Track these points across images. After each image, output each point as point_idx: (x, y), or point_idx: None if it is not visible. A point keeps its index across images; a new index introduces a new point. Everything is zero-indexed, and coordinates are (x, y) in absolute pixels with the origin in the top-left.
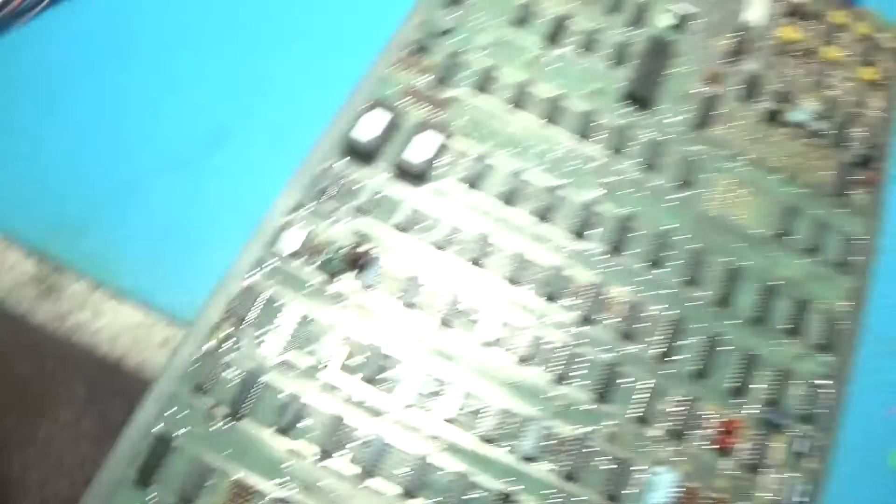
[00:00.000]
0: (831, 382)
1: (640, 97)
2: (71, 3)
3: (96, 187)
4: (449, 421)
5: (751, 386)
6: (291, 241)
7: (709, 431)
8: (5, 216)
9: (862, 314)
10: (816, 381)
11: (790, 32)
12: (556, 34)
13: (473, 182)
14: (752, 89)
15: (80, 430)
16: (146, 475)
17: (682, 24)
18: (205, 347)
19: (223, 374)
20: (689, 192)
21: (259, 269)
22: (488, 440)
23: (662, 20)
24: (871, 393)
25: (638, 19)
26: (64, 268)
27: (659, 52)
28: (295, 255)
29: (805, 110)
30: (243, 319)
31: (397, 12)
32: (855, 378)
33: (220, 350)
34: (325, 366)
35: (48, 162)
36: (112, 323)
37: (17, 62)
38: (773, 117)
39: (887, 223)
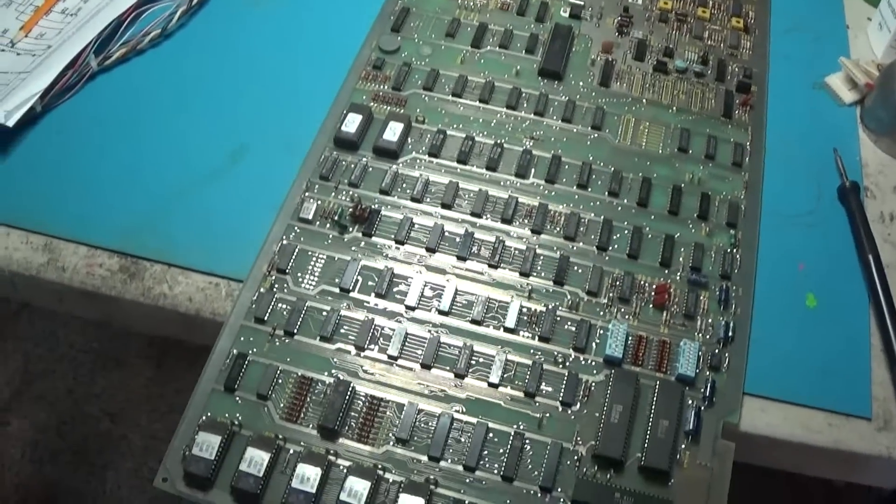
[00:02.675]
0: (740, 249)
1: (551, 72)
2: (110, 74)
3: (155, 197)
4: (446, 313)
5: (674, 258)
6: (308, 210)
7: (646, 294)
8: (89, 227)
9: (757, 198)
10: (728, 250)
11: (667, 3)
12: (479, 38)
13: (435, 152)
14: (641, 51)
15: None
16: (230, 384)
17: (577, 13)
18: (259, 291)
19: (276, 307)
20: (601, 133)
21: (288, 233)
22: (478, 322)
23: (561, 13)
24: (778, 255)
25: (542, 16)
26: (140, 258)
27: (562, 36)
28: (312, 220)
29: (685, 59)
30: (284, 270)
31: (356, 39)
32: (762, 245)
33: (271, 291)
34: (350, 289)
35: (117, 184)
36: (185, 289)
37: (87, 116)
38: (661, 68)
39: (768, 130)
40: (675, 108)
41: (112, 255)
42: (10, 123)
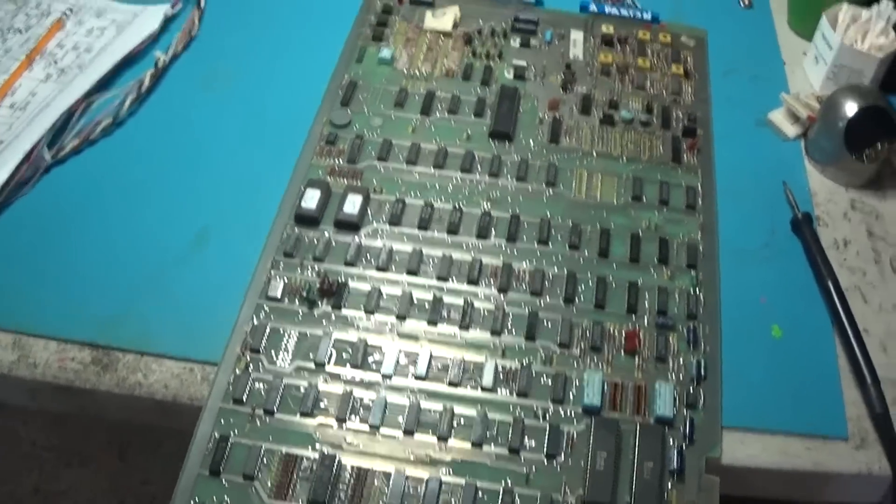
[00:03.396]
0: (702, 289)
1: (501, 133)
2: (65, 166)
3: (122, 287)
4: (423, 377)
5: (640, 304)
6: (276, 288)
7: (616, 342)
8: (58, 323)
9: (714, 238)
10: (691, 290)
11: (607, 57)
12: (428, 106)
13: (395, 220)
14: (586, 105)
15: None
16: (215, 467)
17: (521, 74)
18: (234, 373)
19: (253, 386)
20: (556, 189)
21: (258, 313)
22: (454, 384)
23: (505, 75)
24: (740, 291)
25: (487, 80)
26: (112, 349)
27: (509, 97)
28: (281, 298)
29: (631, 109)
30: (258, 350)
31: (306, 116)
32: (723, 282)
33: (246, 372)
34: (325, 363)
35: (82, 276)
36: (160, 377)
37: (46, 209)
38: (607, 121)
39: (717, 170)
40: (625, 157)
41: (83, 347)
42: None
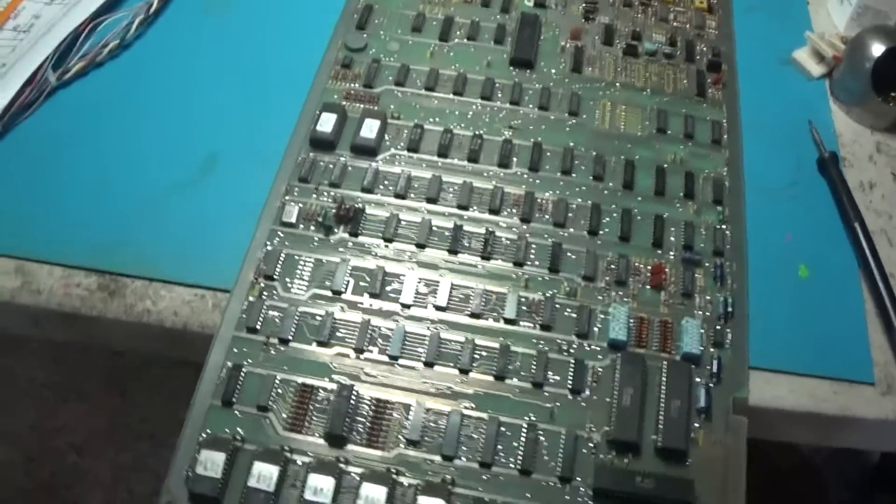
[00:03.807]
0: (729, 225)
1: (522, 60)
2: (70, 89)
3: (128, 212)
4: (443, 308)
5: (665, 238)
6: (290, 214)
7: (642, 276)
8: (63, 248)
9: (739, 174)
10: (717, 226)
11: None
12: (446, 31)
13: (413, 147)
14: (609, 35)
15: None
16: (228, 398)
17: (541, 2)
18: (248, 300)
19: (267, 314)
20: (579, 119)
21: (272, 238)
22: (476, 315)
23: (525, 2)
24: (766, 229)
25: (507, 7)
26: (119, 275)
27: (529, 25)
28: (296, 223)
29: (654, 41)
30: (272, 276)
31: (320, 39)
32: (748, 219)
33: (260, 299)
34: (342, 291)
35: (87, 200)
36: (170, 304)
37: (49, 132)
38: (631, 52)
39: (742, 106)
40: (649, 89)
41: (89, 273)
42: None
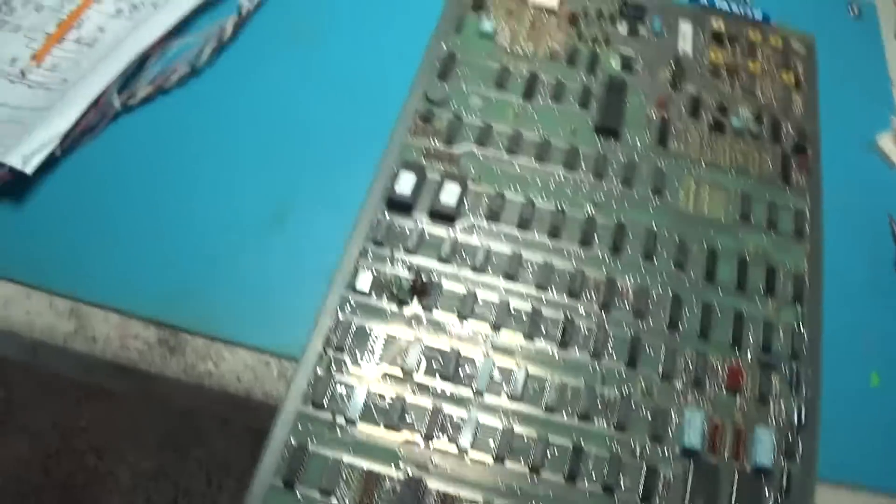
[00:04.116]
0: (806, 327)
1: (608, 128)
2: (135, 116)
3: (191, 259)
4: (518, 399)
5: (744, 337)
6: (363, 281)
7: (719, 376)
8: (123, 295)
9: (820, 271)
10: (796, 327)
11: (717, 55)
12: (530, 89)
13: (494, 216)
14: (695, 107)
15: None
16: (290, 479)
17: (629, 64)
18: (315, 373)
19: (335, 390)
20: (663, 198)
21: (343, 306)
22: (550, 409)
23: (612, 64)
24: (840, 332)
25: (592, 67)
26: (180, 330)
27: (617, 90)
28: (368, 292)
29: (741, 117)
30: (342, 348)
31: (400, 83)
32: (825, 320)
33: (328, 372)
34: (414, 371)
35: (147, 241)
36: (233, 367)
37: (111, 162)
38: (717, 127)
39: (826, 194)
40: (734, 171)
41: (148, 325)
42: (29, 170)
